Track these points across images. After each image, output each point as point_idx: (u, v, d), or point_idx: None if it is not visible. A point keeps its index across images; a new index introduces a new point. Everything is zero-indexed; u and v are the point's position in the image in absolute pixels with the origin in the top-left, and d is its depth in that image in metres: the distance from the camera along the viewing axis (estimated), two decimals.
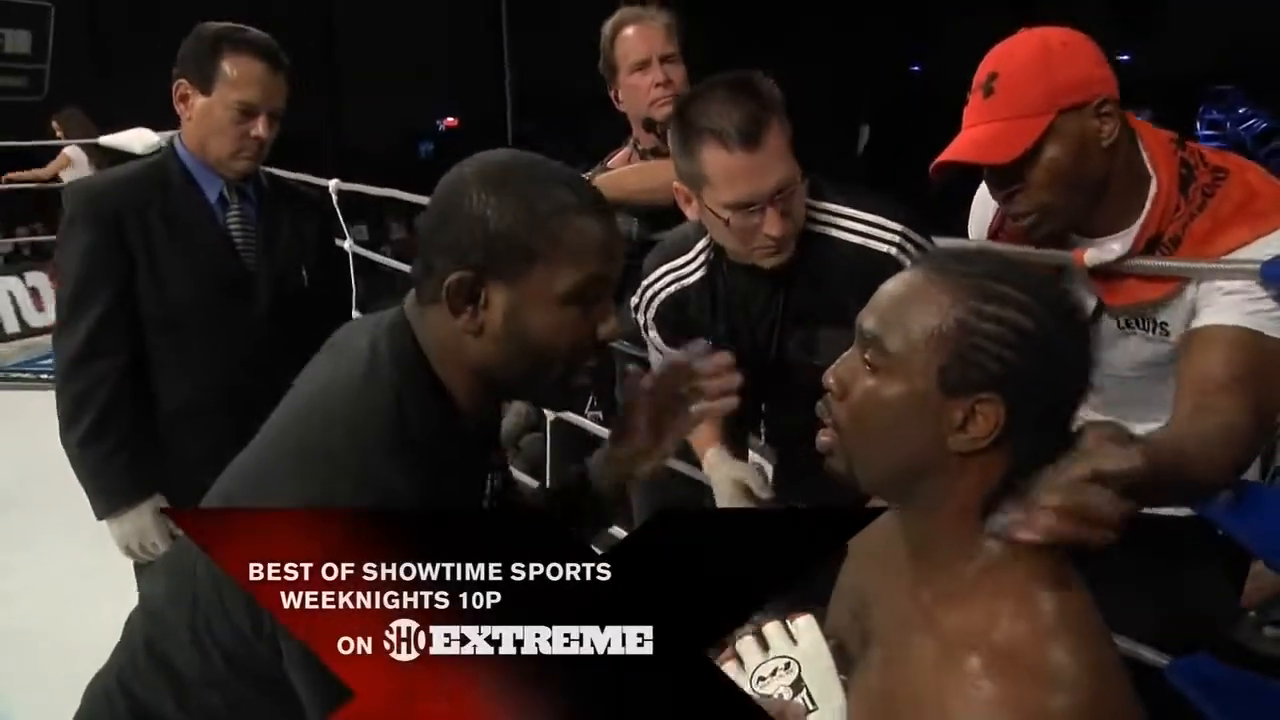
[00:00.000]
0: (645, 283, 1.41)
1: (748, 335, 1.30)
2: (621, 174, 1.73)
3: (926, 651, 0.72)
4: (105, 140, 4.97)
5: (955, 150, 1.05)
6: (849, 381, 0.75)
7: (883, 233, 1.22)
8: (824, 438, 0.78)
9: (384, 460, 0.75)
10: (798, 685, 0.80)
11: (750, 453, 1.43)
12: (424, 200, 3.31)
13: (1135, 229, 1.04)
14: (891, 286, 0.75)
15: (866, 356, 0.74)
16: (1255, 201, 1.01)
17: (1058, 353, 0.70)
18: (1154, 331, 1.08)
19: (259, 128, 1.55)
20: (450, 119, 13.65)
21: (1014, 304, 0.69)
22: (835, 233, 1.24)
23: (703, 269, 1.33)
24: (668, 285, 1.38)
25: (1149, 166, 1.04)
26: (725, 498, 1.30)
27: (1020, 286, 0.70)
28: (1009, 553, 0.70)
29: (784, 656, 0.82)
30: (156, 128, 5.18)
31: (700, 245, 1.33)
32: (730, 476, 1.31)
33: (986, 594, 0.70)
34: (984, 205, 1.25)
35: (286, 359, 0.94)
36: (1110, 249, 1.06)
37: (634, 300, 1.44)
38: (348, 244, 3.20)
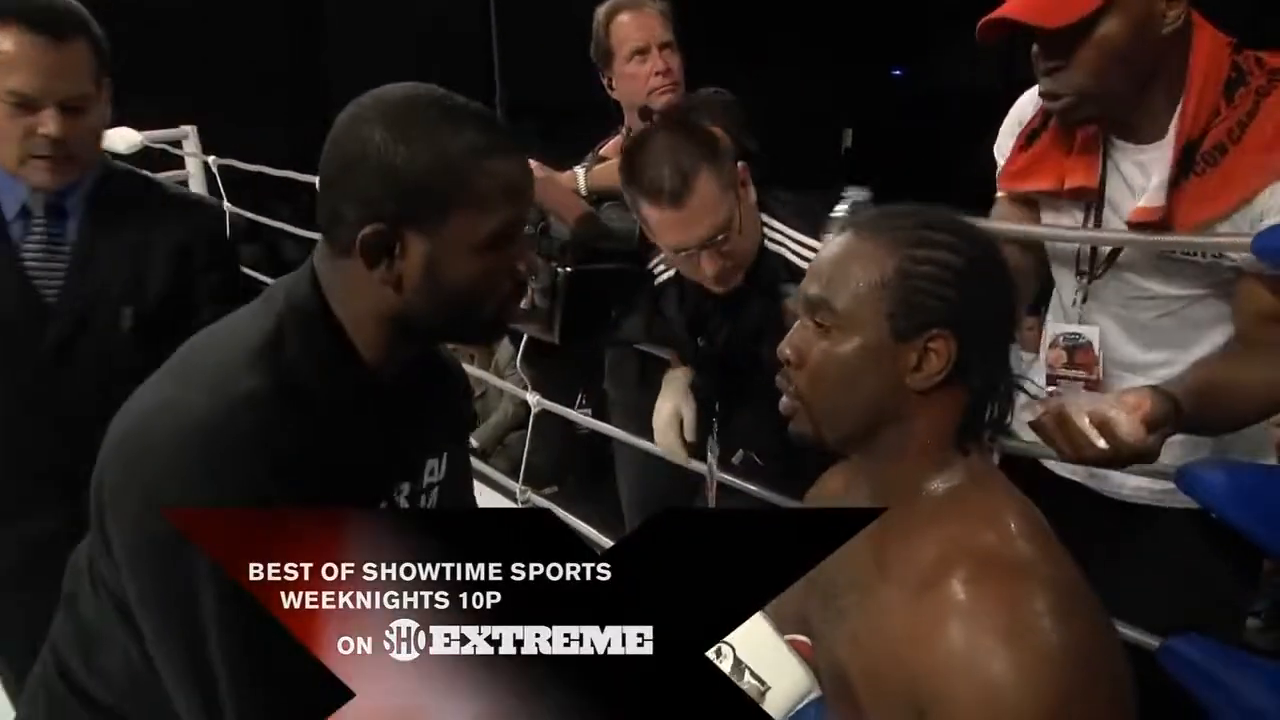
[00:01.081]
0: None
1: (707, 341, 1.36)
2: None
3: (892, 595, 0.75)
4: None
5: (1008, 7, 0.94)
6: (804, 348, 0.80)
7: (795, 244, 1.28)
8: (786, 404, 0.82)
9: (242, 371, 0.73)
10: (738, 669, 0.81)
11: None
12: None
13: (1169, 140, 0.95)
14: (828, 251, 0.80)
15: (817, 319, 0.79)
16: None
17: (989, 283, 0.76)
18: (1204, 255, 0.98)
19: (49, 124, 1.20)
20: None
21: (944, 246, 0.75)
22: (787, 253, 1.28)
23: (664, 278, 1.42)
24: (659, 274, 1.46)
25: (1191, 65, 0.94)
26: (660, 416, 1.38)
27: (945, 229, 0.77)
28: (967, 486, 0.75)
29: (729, 647, 0.83)
30: (138, 127, 5.15)
31: (660, 260, 1.41)
32: (673, 404, 1.40)
33: (947, 522, 0.73)
34: (1021, 111, 1.17)
35: (80, 407, 0.84)
36: (1147, 169, 0.97)
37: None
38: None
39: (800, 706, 0.82)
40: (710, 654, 0.79)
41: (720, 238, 1.19)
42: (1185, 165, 0.95)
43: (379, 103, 0.77)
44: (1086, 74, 0.94)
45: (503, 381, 3.08)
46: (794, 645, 0.86)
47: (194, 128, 5.57)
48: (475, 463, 2.88)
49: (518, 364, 2.43)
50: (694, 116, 1.46)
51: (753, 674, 0.83)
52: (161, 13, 8.96)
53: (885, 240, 0.77)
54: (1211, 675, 0.95)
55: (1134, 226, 1.01)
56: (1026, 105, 1.17)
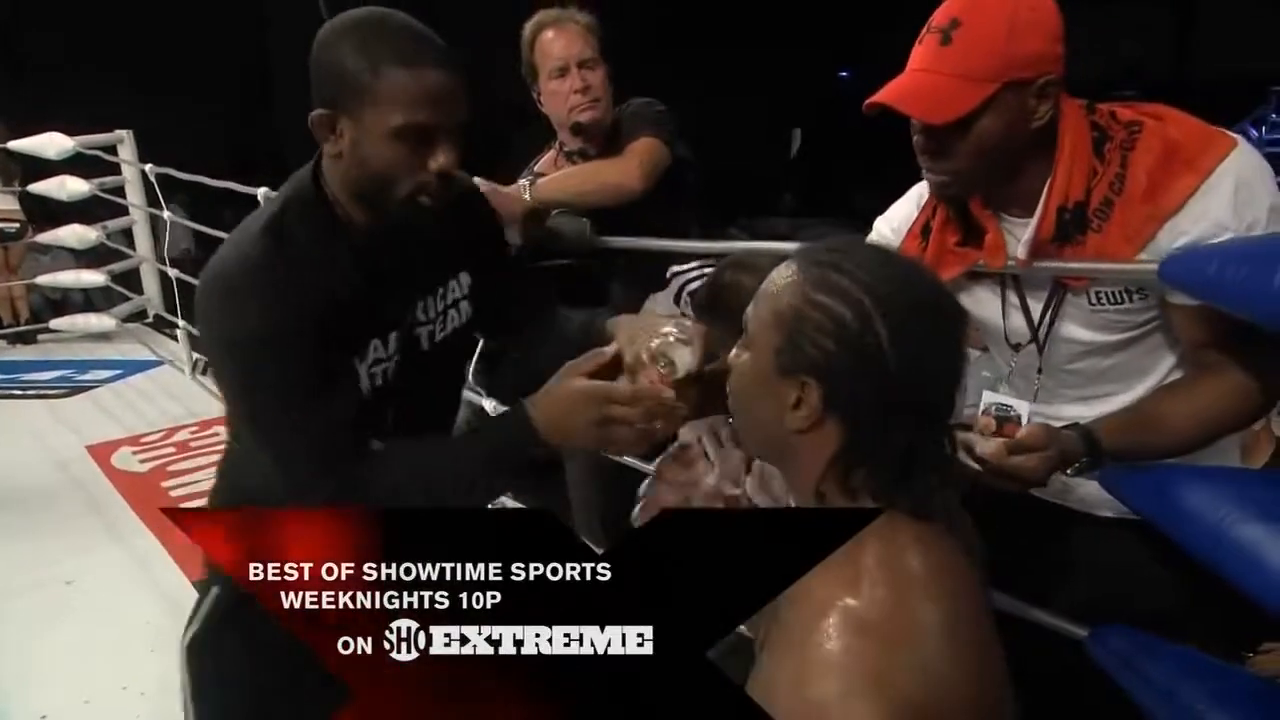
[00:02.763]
0: (673, 275, 1.58)
1: None
2: (566, 175, 1.69)
3: (797, 610, 0.72)
4: (15, 145, 4.70)
5: (895, 96, 0.99)
6: (735, 356, 0.81)
7: None
8: (731, 405, 0.83)
9: (255, 237, 0.96)
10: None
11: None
12: None
13: (1040, 208, 1.01)
14: (772, 273, 0.78)
15: (744, 335, 0.80)
16: (1183, 145, 0.96)
17: (876, 347, 0.69)
18: (1129, 300, 1.03)
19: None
20: None
21: (842, 296, 0.70)
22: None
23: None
24: (696, 276, 1.54)
25: (1060, 140, 1.00)
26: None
27: (861, 281, 0.70)
28: (877, 525, 0.69)
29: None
30: (70, 132, 4.95)
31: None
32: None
33: (848, 559, 0.68)
34: (907, 203, 1.22)
35: None
36: (1022, 233, 1.03)
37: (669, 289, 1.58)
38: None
39: None
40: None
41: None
42: (1080, 223, 1.00)
43: (342, 18, 0.94)
44: (962, 161, 1.00)
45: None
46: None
47: (129, 132, 5.38)
48: None
49: (471, 373, 2.39)
50: (625, 128, 1.66)
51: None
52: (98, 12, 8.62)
53: (802, 275, 0.74)
54: (1134, 663, 0.98)
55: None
56: (913, 199, 1.21)
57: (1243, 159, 0.95)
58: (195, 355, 4.37)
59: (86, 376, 4.45)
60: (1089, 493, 1.15)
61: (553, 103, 1.70)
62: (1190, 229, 0.95)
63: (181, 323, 4.28)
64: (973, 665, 0.68)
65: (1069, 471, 1.00)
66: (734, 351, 0.82)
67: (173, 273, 4.21)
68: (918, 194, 1.22)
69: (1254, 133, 8.60)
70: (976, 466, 0.95)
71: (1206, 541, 0.91)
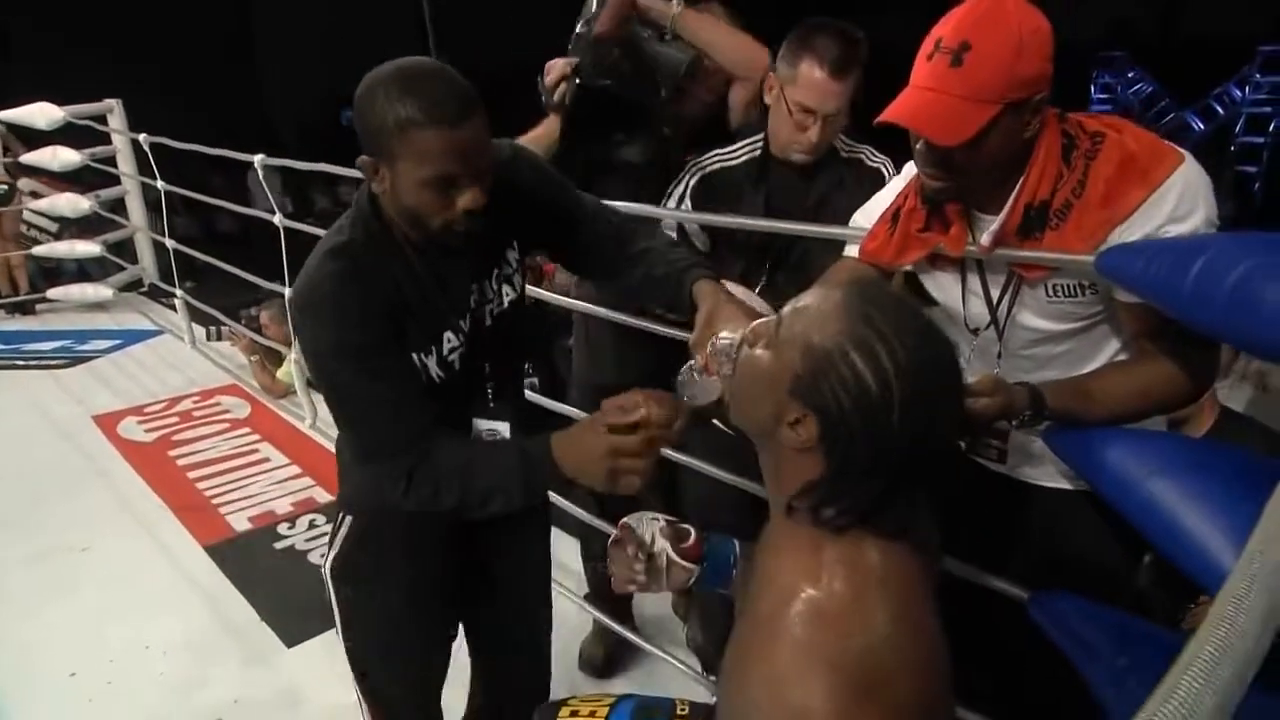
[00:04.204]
0: (693, 164, 1.72)
1: (777, 208, 1.63)
2: (716, 24, 1.81)
3: (763, 600, 0.79)
4: (4, 115, 4.68)
5: (909, 116, 1.04)
6: (755, 339, 0.84)
7: (875, 156, 1.67)
8: (725, 376, 0.89)
9: (327, 257, 1.09)
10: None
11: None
12: (343, 170, 3.21)
13: (1008, 204, 1.09)
14: (821, 290, 0.82)
15: (772, 328, 0.83)
16: (1138, 158, 1.04)
17: (886, 416, 0.74)
18: (1082, 294, 1.12)
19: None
20: None
21: (874, 365, 0.74)
22: (845, 153, 1.67)
23: (746, 156, 1.68)
24: (713, 164, 1.70)
25: (1036, 145, 1.08)
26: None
27: (895, 355, 0.74)
28: (824, 538, 0.78)
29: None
30: (60, 103, 4.92)
31: (746, 143, 1.68)
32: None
33: (812, 555, 0.77)
34: (886, 194, 1.31)
35: None
36: (989, 227, 1.12)
37: (676, 184, 1.72)
38: (277, 218, 3.14)
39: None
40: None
41: (837, 116, 1.55)
42: (1041, 221, 1.09)
43: (381, 71, 1.04)
44: (962, 173, 1.08)
45: None
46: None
47: (119, 102, 5.35)
48: None
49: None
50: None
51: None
52: None
53: (848, 320, 0.76)
54: (1072, 627, 1.07)
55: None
56: (877, 203, 1.31)
57: (1187, 173, 1.03)
58: (195, 325, 4.43)
59: (86, 347, 4.50)
60: (1035, 467, 1.26)
61: None
62: (1135, 235, 1.04)
63: (179, 292, 4.31)
64: (919, 658, 0.74)
65: (1014, 423, 1.10)
66: (753, 334, 0.85)
67: (170, 243, 4.22)
68: (893, 188, 1.30)
69: (1237, 93, 8.62)
70: None
71: (1126, 498, 1.02)
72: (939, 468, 0.82)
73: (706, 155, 1.71)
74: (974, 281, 1.22)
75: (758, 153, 1.66)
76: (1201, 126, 9.01)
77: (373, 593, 1.32)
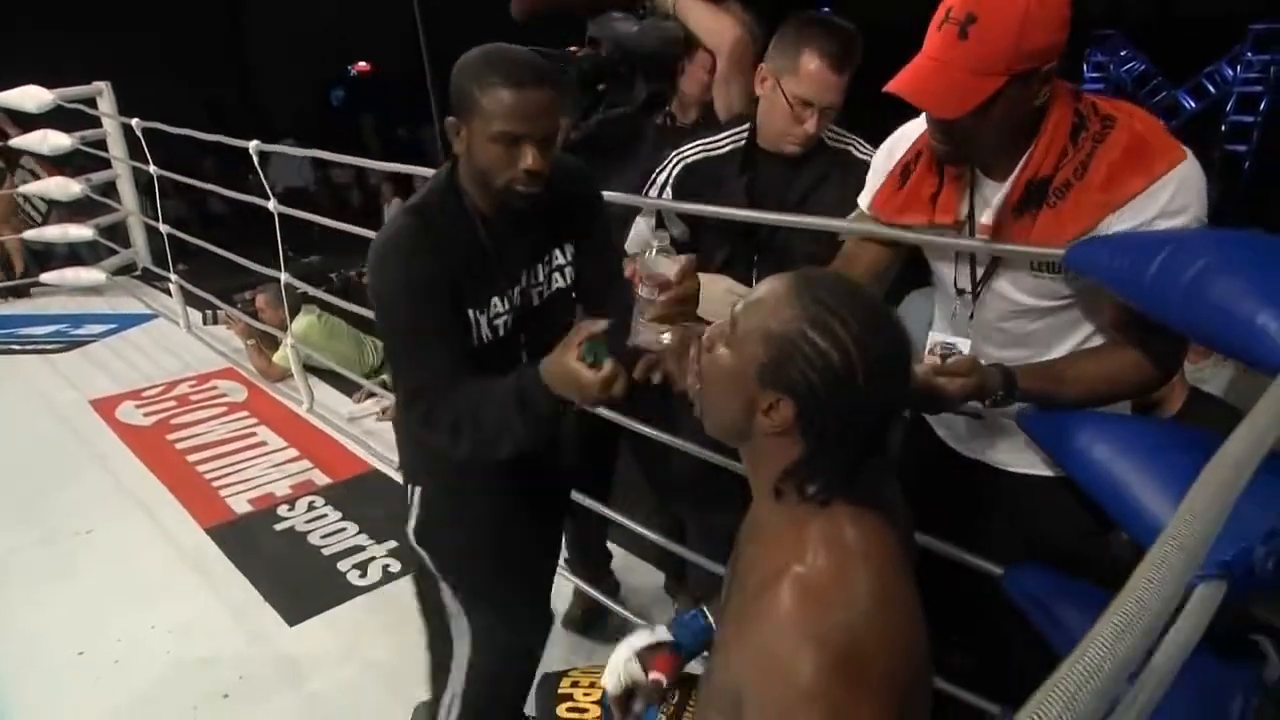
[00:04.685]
0: (675, 154, 1.77)
1: (760, 198, 1.67)
2: (705, 8, 1.93)
3: (736, 603, 0.86)
4: None
5: (910, 88, 1.05)
6: (713, 342, 0.88)
7: (863, 147, 1.68)
8: (691, 382, 0.93)
9: (404, 215, 1.26)
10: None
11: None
12: (348, 160, 3.29)
13: (1012, 176, 1.12)
14: (766, 283, 0.86)
15: (727, 328, 0.87)
16: (1144, 148, 1.05)
17: (854, 391, 0.79)
18: (1065, 271, 1.13)
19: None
20: (362, 64, 13.13)
21: (834, 342, 0.79)
22: (832, 143, 1.70)
23: (730, 145, 1.72)
24: (696, 154, 1.74)
25: (1046, 118, 1.09)
26: (714, 291, 1.49)
27: (849, 328, 0.79)
28: (806, 516, 0.83)
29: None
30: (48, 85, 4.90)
31: (732, 133, 1.73)
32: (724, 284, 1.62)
33: (782, 546, 0.82)
34: (894, 142, 1.31)
35: None
36: (993, 195, 1.15)
37: (658, 173, 1.78)
38: (271, 204, 3.16)
39: None
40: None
41: (832, 109, 1.57)
42: (1039, 196, 1.11)
43: (476, 49, 1.19)
44: (967, 139, 1.10)
45: None
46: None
47: (108, 84, 5.33)
48: None
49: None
50: None
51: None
52: None
53: (801, 305, 0.81)
54: (1044, 602, 1.14)
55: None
56: (900, 139, 1.31)
57: (1187, 170, 1.05)
58: (190, 309, 4.45)
59: (81, 331, 4.52)
60: (1006, 453, 1.32)
61: None
62: (1125, 225, 1.07)
63: (174, 277, 4.33)
64: (899, 626, 0.79)
65: (986, 402, 1.15)
66: (709, 339, 0.89)
67: (164, 228, 4.23)
68: (908, 135, 1.30)
69: (1229, 72, 8.64)
70: None
71: (1093, 478, 1.08)
72: (896, 434, 0.88)
73: (689, 144, 1.75)
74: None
75: (742, 143, 1.70)
76: (1193, 105, 9.04)
77: (459, 548, 1.45)
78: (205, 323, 4.43)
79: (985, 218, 1.18)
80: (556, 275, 1.37)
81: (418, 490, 1.44)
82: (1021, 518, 1.34)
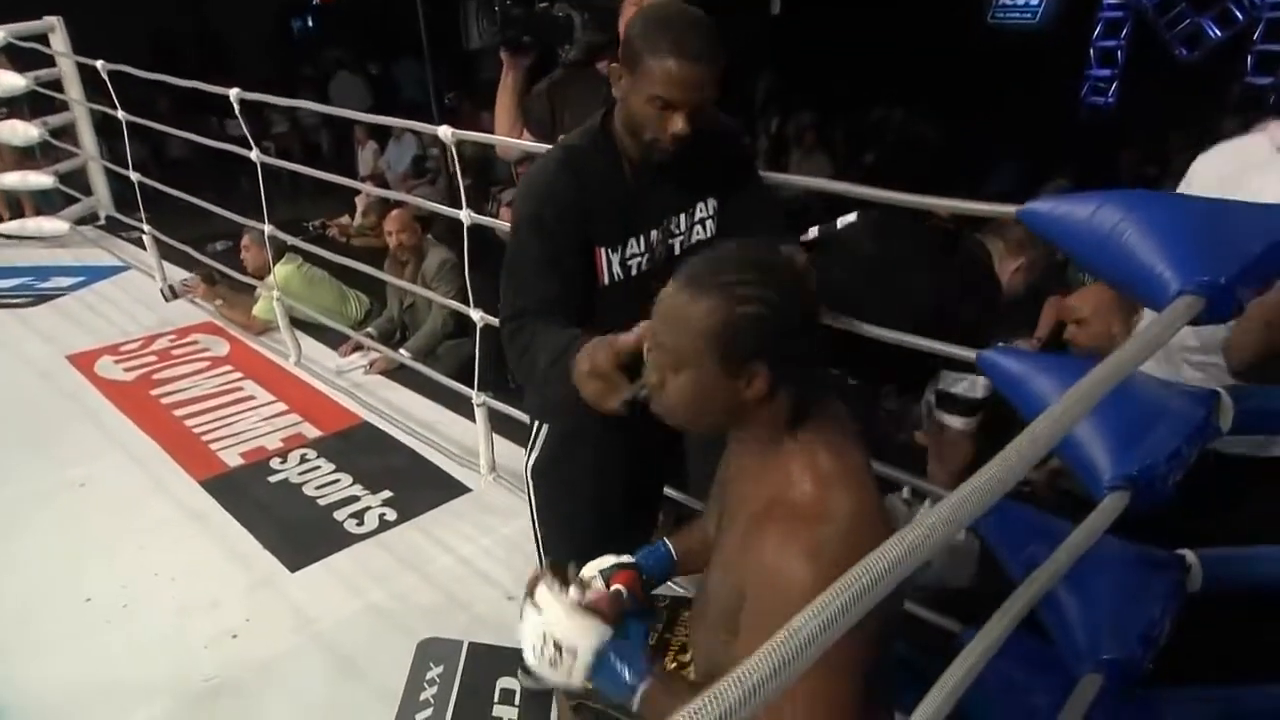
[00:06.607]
0: None
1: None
2: None
3: (735, 527, 1.06)
4: None
5: None
6: (661, 381, 1.04)
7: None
8: (655, 408, 1.09)
9: (557, 151, 1.49)
10: (555, 649, 1.06)
11: None
12: (325, 109, 3.46)
13: None
14: (662, 303, 1.03)
15: (661, 360, 1.03)
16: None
17: (791, 319, 0.98)
18: None
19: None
20: None
21: (757, 298, 0.96)
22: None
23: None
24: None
25: None
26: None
27: (754, 277, 0.97)
28: (792, 449, 1.03)
29: (540, 633, 1.08)
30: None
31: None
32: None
33: (773, 475, 1.03)
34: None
35: None
36: None
37: None
38: (254, 154, 3.31)
39: (600, 654, 1.05)
40: (533, 647, 1.07)
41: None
42: None
43: (657, 5, 1.38)
44: None
45: (431, 293, 3.34)
46: (591, 606, 1.09)
47: (59, 19, 5.37)
48: (420, 366, 3.18)
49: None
50: None
51: (559, 648, 1.06)
52: None
53: (709, 300, 0.97)
54: (1015, 377, 1.35)
55: None
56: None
57: None
58: (167, 266, 4.56)
59: (48, 284, 4.67)
60: None
61: None
62: None
63: (147, 228, 4.44)
64: (876, 537, 0.95)
65: None
66: (658, 382, 1.05)
67: (135, 176, 4.34)
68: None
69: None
70: None
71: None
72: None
73: None
74: None
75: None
76: (1218, 34, 9.10)
77: (565, 494, 1.70)
78: (167, 299, 4.41)
79: None
80: (698, 228, 1.55)
81: (544, 429, 1.69)
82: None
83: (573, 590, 1.11)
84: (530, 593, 1.12)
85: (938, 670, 0.76)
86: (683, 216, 1.53)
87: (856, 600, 0.53)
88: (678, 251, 1.53)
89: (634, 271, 1.49)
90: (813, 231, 2.16)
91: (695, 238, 1.54)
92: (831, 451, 1.03)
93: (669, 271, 1.47)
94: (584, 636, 1.06)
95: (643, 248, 1.49)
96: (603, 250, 1.45)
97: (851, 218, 2.14)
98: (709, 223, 1.55)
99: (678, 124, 1.34)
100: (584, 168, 1.43)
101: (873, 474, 1.09)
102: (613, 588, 1.25)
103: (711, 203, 1.55)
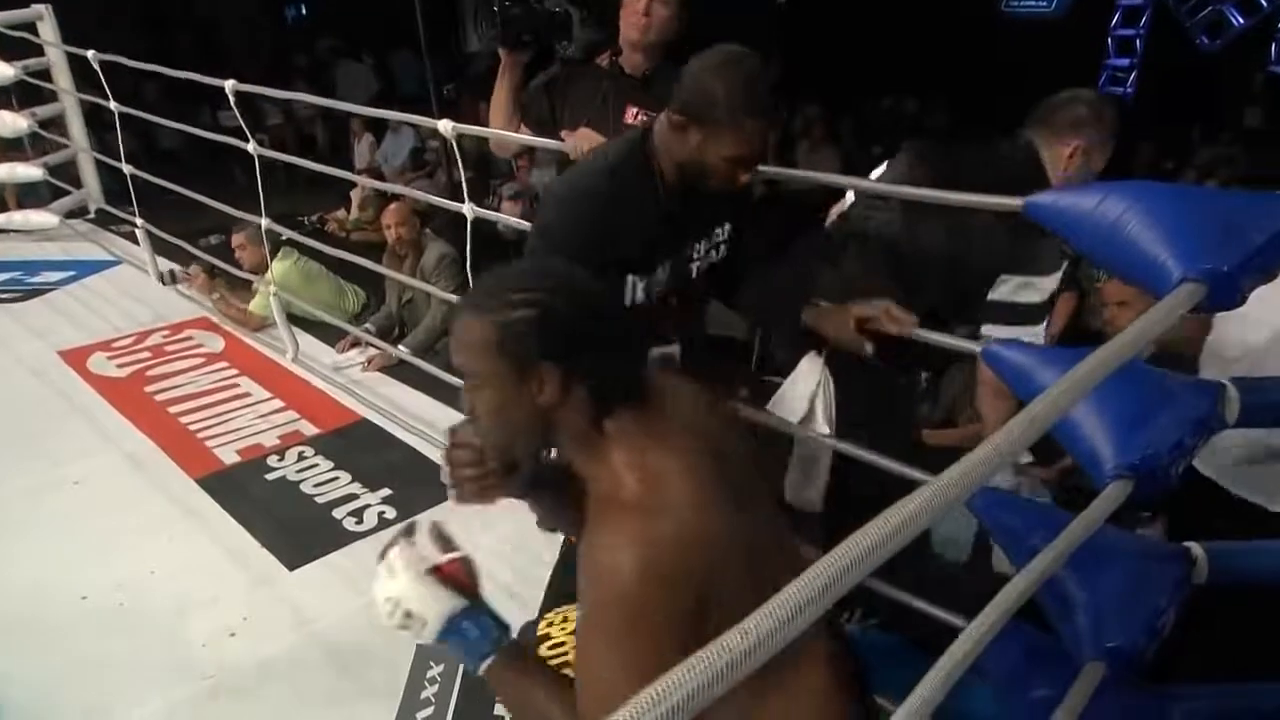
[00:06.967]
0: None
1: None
2: None
3: (588, 505, 1.09)
4: None
5: None
6: (470, 406, 1.11)
7: None
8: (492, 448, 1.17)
9: (598, 170, 1.55)
10: (407, 615, 1.13)
11: None
12: (323, 101, 3.53)
13: None
14: (456, 331, 1.09)
15: (468, 387, 1.10)
16: None
17: (566, 315, 1.04)
18: None
19: None
20: None
21: (520, 304, 1.03)
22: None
23: None
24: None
25: None
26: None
27: (525, 289, 1.04)
28: (611, 450, 1.06)
29: (390, 599, 1.14)
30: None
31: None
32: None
33: (605, 467, 1.06)
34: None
35: None
36: None
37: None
38: (250, 146, 3.35)
39: (451, 621, 1.12)
40: (385, 611, 1.13)
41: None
42: None
43: (721, 55, 1.44)
44: None
45: (431, 287, 3.37)
46: (442, 573, 1.16)
47: (48, 7, 5.40)
48: (420, 362, 3.21)
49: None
50: None
51: (409, 614, 1.12)
52: None
53: (482, 313, 1.05)
54: (1020, 370, 1.40)
55: None
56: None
57: None
58: (161, 260, 4.61)
59: (38, 279, 4.70)
60: None
61: None
62: None
63: (140, 221, 4.47)
64: (724, 509, 1.03)
65: None
66: (469, 405, 1.12)
67: (127, 169, 4.36)
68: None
69: None
70: None
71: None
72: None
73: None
74: None
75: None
76: (1241, 21, 9.11)
77: None
78: (165, 283, 4.51)
79: None
80: (713, 252, 1.64)
81: None
82: None
83: (431, 550, 1.18)
84: (383, 555, 1.18)
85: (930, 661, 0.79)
86: (703, 242, 1.61)
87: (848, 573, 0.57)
88: (694, 275, 1.61)
89: (654, 295, 1.56)
90: (849, 198, 2.16)
91: (709, 261, 1.62)
92: (655, 438, 1.07)
93: (683, 293, 1.60)
94: (433, 604, 1.14)
95: (668, 273, 1.56)
96: (632, 277, 1.52)
97: (882, 169, 2.11)
98: (723, 247, 1.64)
99: (745, 176, 1.45)
100: (626, 196, 1.49)
101: (729, 445, 1.13)
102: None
103: (728, 227, 1.64)
